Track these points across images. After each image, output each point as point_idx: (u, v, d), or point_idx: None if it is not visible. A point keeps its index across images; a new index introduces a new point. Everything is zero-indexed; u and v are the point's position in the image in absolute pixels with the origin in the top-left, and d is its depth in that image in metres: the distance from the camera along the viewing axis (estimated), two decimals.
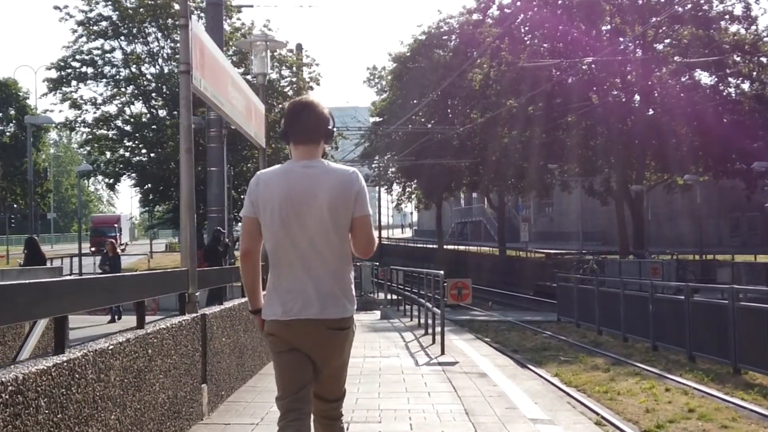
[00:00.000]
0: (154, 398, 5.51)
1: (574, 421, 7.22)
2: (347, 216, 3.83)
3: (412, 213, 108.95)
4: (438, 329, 12.57)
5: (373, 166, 64.09)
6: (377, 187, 70.64)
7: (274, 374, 3.94)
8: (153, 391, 5.50)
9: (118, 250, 18.62)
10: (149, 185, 39.80)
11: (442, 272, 13.49)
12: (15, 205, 59.63)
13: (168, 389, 5.87)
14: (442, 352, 11.92)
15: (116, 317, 18.45)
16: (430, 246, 67.84)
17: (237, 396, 8.25)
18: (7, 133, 67.56)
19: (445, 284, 13.51)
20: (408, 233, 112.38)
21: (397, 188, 67.11)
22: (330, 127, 3.99)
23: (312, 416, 3.94)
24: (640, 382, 11.99)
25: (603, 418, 9.23)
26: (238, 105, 9.66)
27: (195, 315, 6.89)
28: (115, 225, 62.45)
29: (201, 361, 6.98)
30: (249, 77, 33.42)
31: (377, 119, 62.02)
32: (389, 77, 60.74)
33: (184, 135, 7.35)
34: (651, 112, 42.07)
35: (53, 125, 49.25)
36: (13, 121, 67.06)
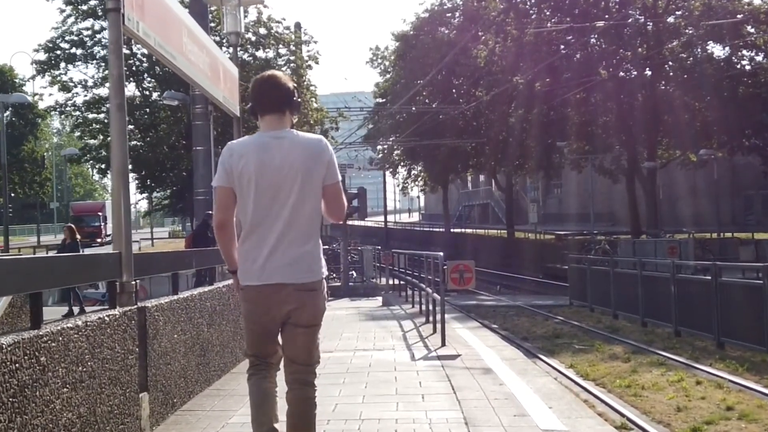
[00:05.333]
0: (51, 420, 4.20)
1: None
2: (319, 183, 4.04)
3: (418, 197, 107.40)
4: (439, 317, 11.25)
5: (378, 148, 62.65)
6: (382, 171, 69.28)
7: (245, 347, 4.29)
8: (50, 410, 4.19)
9: (78, 236, 17.11)
10: (144, 171, 38.48)
11: (441, 254, 12.16)
12: (12, 194, 58.39)
13: (78, 405, 4.55)
14: (443, 344, 10.60)
15: (74, 308, 16.17)
16: (437, 229, 66.55)
17: (194, 403, 6.95)
18: (4, 121, 66.15)
19: (446, 267, 12.17)
20: (415, 217, 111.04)
21: (402, 171, 65.60)
22: (295, 99, 4.15)
23: (285, 382, 4.18)
24: (666, 374, 10.66)
25: (629, 420, 7.93)
26: (200, 63, 8.33)
27: (129, 309, 5.58)
28: (99, 213, 56.65)
29: (138, 365, 5.66)
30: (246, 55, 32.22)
31: (380, 100, 60.50)
32: (392, 57, 59.16)
33: (115, 88, 6.05)
34: (662, 86, 40.48)
35: (48, 111, 47.94)
36: (10, 109, 65.66)
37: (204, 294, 7.75)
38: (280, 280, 4.00)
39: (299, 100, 4.21)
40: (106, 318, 5.09)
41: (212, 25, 25.18)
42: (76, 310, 15.80)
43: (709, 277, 13.82)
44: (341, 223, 6.05)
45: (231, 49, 12.62)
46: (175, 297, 6.92)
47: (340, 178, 4.17)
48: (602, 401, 8.91)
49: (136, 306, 5.77)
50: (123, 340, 5.35)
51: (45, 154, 75.69)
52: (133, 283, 5.87)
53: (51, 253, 24.99)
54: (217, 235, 4.16)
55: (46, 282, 4.90)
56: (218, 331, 8.21)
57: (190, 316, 7.17)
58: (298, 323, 4.08)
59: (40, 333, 4.18)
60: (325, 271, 4.16)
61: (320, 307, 4.14)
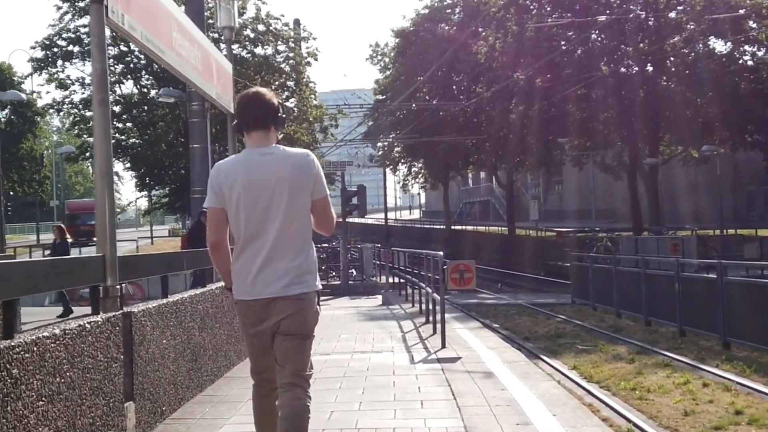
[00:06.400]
0: None
1: None
2: (307, 198, 4.11)
3: (419, 194, 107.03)
4: (439, 317, 10.99)
5: (378, 145, 62.31)
6: (382, 168, 68.89)
7: (248, 369, 4.40)
8: (24, 426, 3.94)
9: (68, 236, 16.81)
10: (143, 169, 38.19)
11: (441, 253, 11.90)
12: (11, 193, 58.01)
13: (56, 419, 4.30)
14: (443, 345, 10.35)
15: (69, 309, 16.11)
16: (438, 227, 66.27)
17: (185, 410, 6.70)
18: (2, 119, 65.89)
19: (446, 267, 11.90)
20: (416, 214, 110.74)
21: (402, 168, 65.24)
22: (280, 115, 4.21)
23: (278, 388, 4.14)
24: (671, 375, 10.40)
25: (635, 425, 7.66)
26: (191, 58, 8.06)
27: (113, 314, 5.33)
28: (95, 211, 56.12)
29: (123, 373, 5.41)
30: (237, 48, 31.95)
31: (380, 97, 60.13)
32: (392, 53, 58.78)
33: (98, 83, 5.75)
34: (664, 82, 40.18)
35: (45, 109, 47.58)
36: (8, 107, 65.30)
37: (196, 297, 7.49)
38: (270, 295, 4.05)
39: (284, 116, 4.29)
40: (87, 325, 4.84)
41: (210, 21, 24.91)
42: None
43: (715, 276, 13.54)
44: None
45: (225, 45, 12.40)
46: (164, 301, 6.67)
47: (327, 192, 4.25)
48: (607, 405, 8.65)
49: (120, 311, 5.52)
50: (106, 348, 5.10)
51: (44, 152, 75.25)
52: (118, 287, 5.62)
53: (47, 253, 24.73)
54: (212, 255, 4.23)
55: (22, 288, 4.64)
56: (211, 334, 7.96)
57: (181, 320, 6.92)
58: (286, 332, 4.07)
59: (12, 343, 3.92)
60: (318, 285, 4.18)
61: (309, 317, 4.13)
